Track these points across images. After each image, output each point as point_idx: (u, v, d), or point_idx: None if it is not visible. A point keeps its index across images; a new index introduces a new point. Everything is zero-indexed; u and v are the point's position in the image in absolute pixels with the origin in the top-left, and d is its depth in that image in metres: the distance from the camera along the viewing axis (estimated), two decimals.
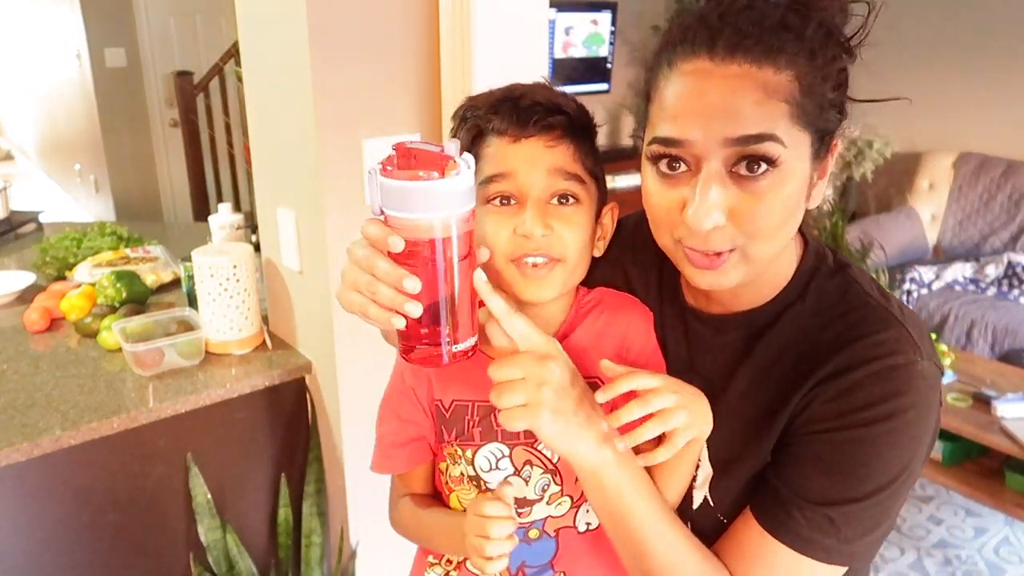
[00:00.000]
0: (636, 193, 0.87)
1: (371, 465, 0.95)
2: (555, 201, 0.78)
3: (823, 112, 0.67)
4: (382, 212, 0.68)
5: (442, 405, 0.87)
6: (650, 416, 0.72)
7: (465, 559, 0.91)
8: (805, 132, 0.67)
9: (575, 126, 0.78)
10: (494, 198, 0.78)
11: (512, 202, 0.78)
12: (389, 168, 0.66)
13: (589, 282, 0.88)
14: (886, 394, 0.69)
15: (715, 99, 0.66)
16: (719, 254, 0.70)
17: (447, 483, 0.91)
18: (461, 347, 0.71)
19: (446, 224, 0.66)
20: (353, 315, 0.74)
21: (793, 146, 0.66)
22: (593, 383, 0.81)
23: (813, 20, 0.66)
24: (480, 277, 0.71)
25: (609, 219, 0.85)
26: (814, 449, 0.72)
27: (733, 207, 0.68)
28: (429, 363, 0.72)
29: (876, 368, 0.70)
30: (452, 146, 0.66)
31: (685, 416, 0.72)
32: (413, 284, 0.67)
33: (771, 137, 0.65)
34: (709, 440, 0.80)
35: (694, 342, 0.84)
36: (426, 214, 0.66)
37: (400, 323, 0.69)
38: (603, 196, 0.83)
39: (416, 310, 0.68)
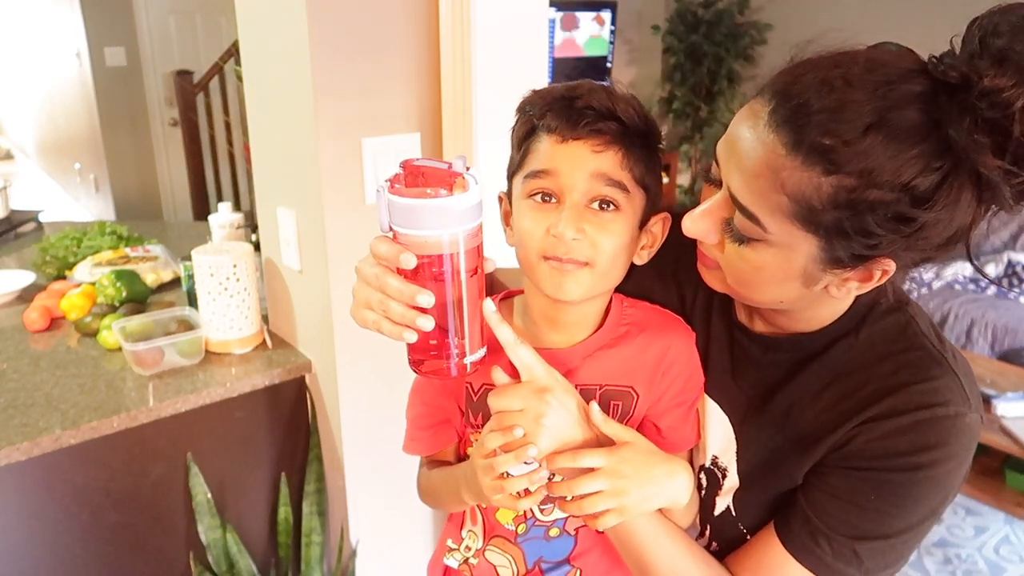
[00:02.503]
0: None
1: (402, 447, 0.96)
2: (594, 205, 0.76)
3: (845, 234, 0.63)
4: (391, 229, 0.70)
5: (471, 388, 0.88)
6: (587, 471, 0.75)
7: (483, 548, 0.93)
8: (809, 234, 0.64)
9: (629, 133, 0.76)
10: (535, 194, 0.77)
11: (552, 200, 0.77)
12: (397, 186, 0.67)
13: (640, 292, 0.89)
14: (931, 443, 0.70)
15: (739, 145, 0.66)
16: (709, 259, 0.75)
17: None
18: (471, 359, 0.73)
19: (455, 240, 0.68)
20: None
21: (783, 236, 0.65)
22: (627, 392, 0.84)
23: (910, 151, 0.59)
24: (489, 307, 0.74)
25: (659, 228, 0.83)
26: (850, 483, 0.73)
27: (721, 241, 0.71)
28: (438, 375, 0.74)
29: (926, 416, 0.70)
30: (459, 162, 0.67)
31: (609, 501, 0.74)
32: (426, 299, 0.69)
33: (753, 218, 0.65)
34: (739, 453, 0.82)
35: (738, 356, 0.84)
36: (435, 231, 0.67)
37: (412, 337, 0.71)
38: (653, 206, 0.80)
39: (428, 324, 0.69)
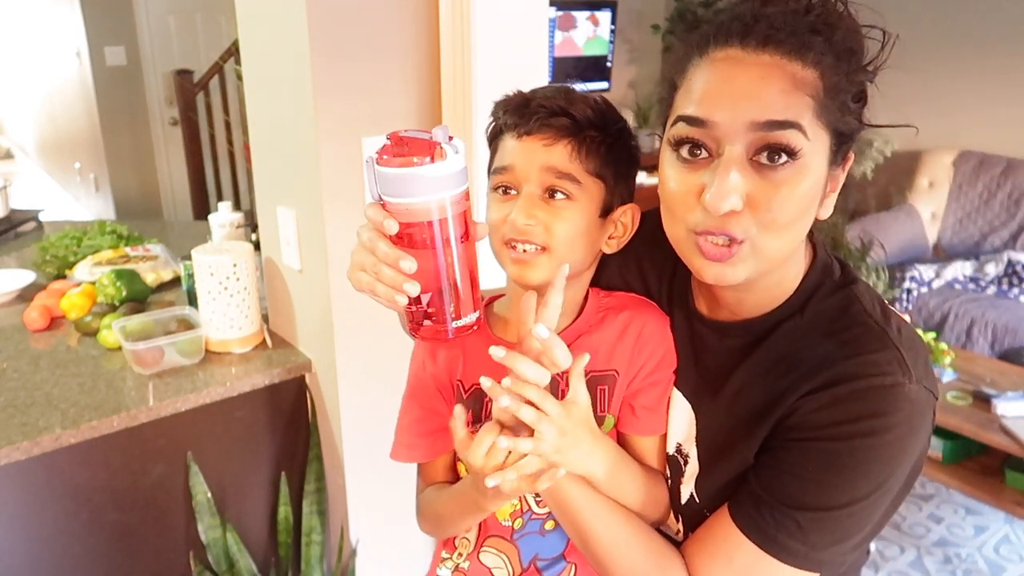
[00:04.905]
0: (640, 191, 0.88)
1: (390, 453, 0.97)
2: (549, 195, 0.81)
3: (844, 116, 0.70)
4: (380, 199, 0.72)
5: (462, 386, 0.90)
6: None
7: (476, 551, 0.93)
8: (826, 131, 0.69)
9: (581, 128, 0.81)
10: (498, 187, 0.84)
11: (513, 192, 0.83)
12: (385, 157, 0.70)
13: (606, 274, 0.92)
14: (868, 412, 0.70)
15: (744, 84, 0.68)
16: (730, 245, 0.70)
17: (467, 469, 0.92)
18: (463, 322, 0.75)
19: (440, 206, 0.71)
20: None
21: (814, 141, 0.68)
22: (610, 375, 0.86)
23: (840, 30, 0.69)
24: (497, 353, 0.72)
25: (628, 218, 0.87)
26: (792, 455, 0.74)
27: (751, 194, 0.69)
28: (435, 338, 0.77)
29: (861, 386, 0.71)
30: (440, 132, 0.70)
31: (545, 447, 0.73)
32: (409, 265, 0.71)
33: (796, 125, 0.67)
34: (700, 437, 0.84)
35: (698, 343, 0.86)
36: (420, 197, 0.70)
37: (403, 300, 0.74)
38: (615, 196, 0.85)
39: (414, 289, 0.72)
